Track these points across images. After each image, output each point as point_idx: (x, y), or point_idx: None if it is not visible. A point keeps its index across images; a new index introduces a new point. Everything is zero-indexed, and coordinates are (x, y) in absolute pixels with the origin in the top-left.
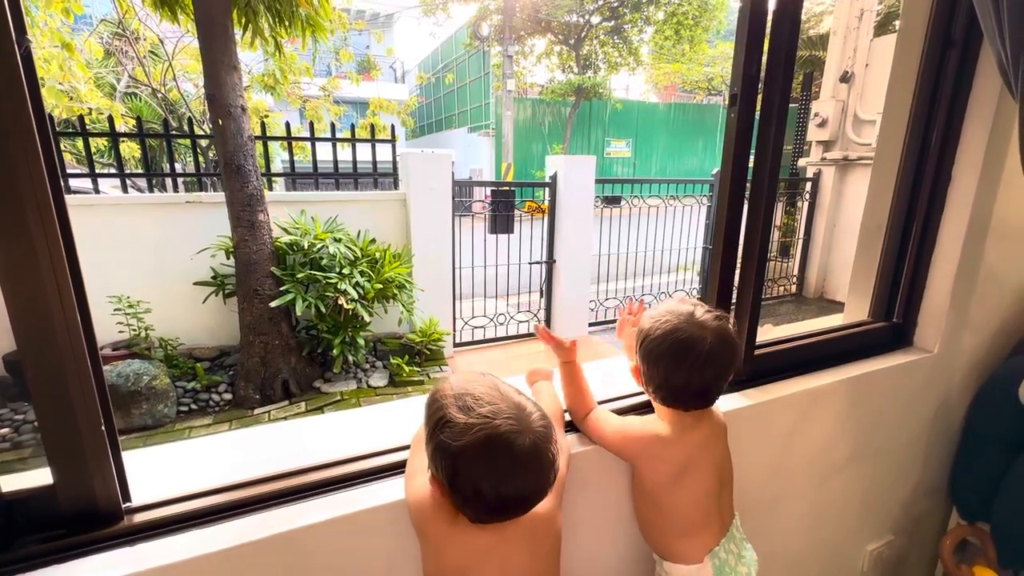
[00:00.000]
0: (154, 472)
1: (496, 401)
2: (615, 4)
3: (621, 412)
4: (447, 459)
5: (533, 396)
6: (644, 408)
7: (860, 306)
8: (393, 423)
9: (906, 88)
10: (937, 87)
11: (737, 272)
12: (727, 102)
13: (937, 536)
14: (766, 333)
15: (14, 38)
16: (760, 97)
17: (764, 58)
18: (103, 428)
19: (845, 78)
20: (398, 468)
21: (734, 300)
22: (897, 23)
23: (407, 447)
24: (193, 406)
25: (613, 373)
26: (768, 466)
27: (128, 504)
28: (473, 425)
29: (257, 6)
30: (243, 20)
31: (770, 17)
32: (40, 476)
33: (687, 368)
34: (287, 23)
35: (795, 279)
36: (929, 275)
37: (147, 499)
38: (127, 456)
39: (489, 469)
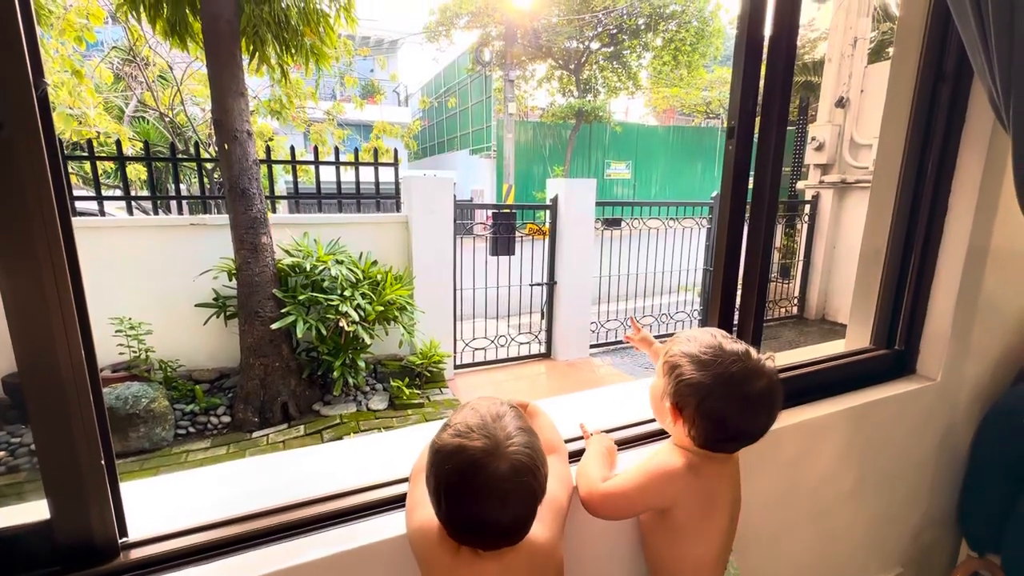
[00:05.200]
0: (151, 505)
1: (478, 427)
2: (614, 31)
3: (628, 441)
4: (430, 484)
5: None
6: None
7: (862, 332)
8: (392, 453)
9: (900, 120)
10: (931, 119)
11: (738, 302)
12: (725, 135)
13: (947, 568)
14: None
15: (31, 80)
16: (758, 122)
17: (761, 83)
18: (103, 463)
19: (841, 103)
20: (398, 502)
21: (735, 331)
22: (890, 50)
23: (406, 479)
24: (191, 429)
25: (605, 403)
26: (771, 497)
27: (125, 539)
28: (451, 451)
29: (265, 35)
30: (251, 48)
31: (767, 44)
32: (37, 510)
33: (751, 415)
34: (293, 51)
35: (796, 301)
36: (930, 302)
37: (144, 534)
38: (124, 487)
39: (463, 495)
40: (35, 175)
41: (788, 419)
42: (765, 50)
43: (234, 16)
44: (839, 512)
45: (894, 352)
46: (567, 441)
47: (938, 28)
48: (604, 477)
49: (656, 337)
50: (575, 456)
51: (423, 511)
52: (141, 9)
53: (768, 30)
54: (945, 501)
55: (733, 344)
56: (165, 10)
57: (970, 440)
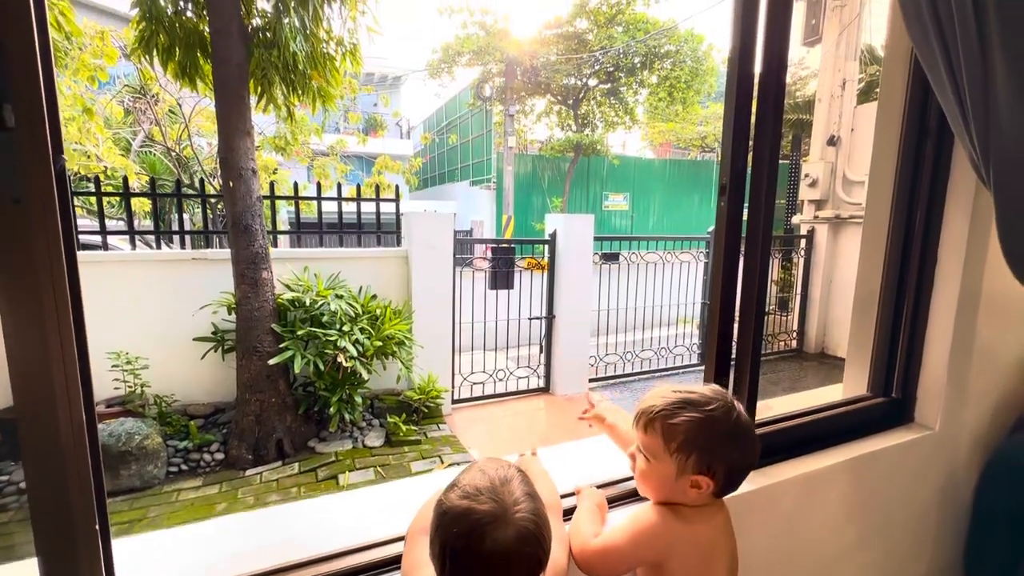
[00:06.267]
0: (142, 565)
1: (486, 490)
2: (611, 69)
3: (617, 499)
4: (434, 546)
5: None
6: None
7: (859, 379)
8: (386, 508)
9: (887, 173)
10: (917, 172)
11: (734, 351)
12: (717, 191)
13: None
14: (765, 411)
15: (51, 156)
16: (750, 158)
17: (753, 119)
18: (96, 526)
19: (832, 141)
20: (394, 564)
21: (733, 364)
22: (879, 91)
23: (402, 538)
24: (184, 466)
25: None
26: (771, 553)
27: None
28: (459, 514)
29: (273, 77)
30: (259, 89)
31: (757, 80)
32: (26, 569)
33: (745, 447)
34: (300, 92)
35: (795, 334)
36: (925, 350)
37: None
38: (116, 545)
39: (469, 559)
40: (48, 242)
41: (786, 472)
42: (756, 87)
43: (244, 60)
44: (841, 567)
45: (891, 400)
46: (562, 496)
47: (920, 87)
48: (595, 533)
49: (656, 371)
50: (568, 513)
51: (424, 571)
52: (155, 52)
53: (758, 66)
54: (949, 553)
55: (699, 389)
56: (177, 53)
57: (972, 490)
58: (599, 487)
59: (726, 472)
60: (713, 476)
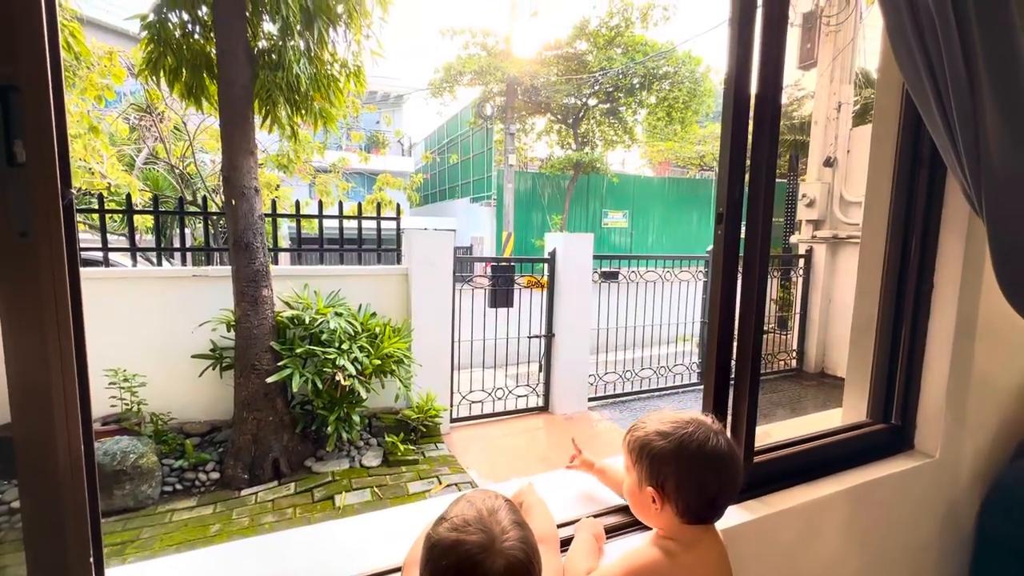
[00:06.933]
0: None
1: (474, 521)
2: (610, 89)
3: (617, 529)
4: None
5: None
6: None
7: (858, 403)
8: (383, 535)
9: (882, 200)
10: (911, 200)
11: (732, 382)
12: (714, 220)
13: None
14: (764, 438)
15: (59, 191)
16: (747, 178)
17: (749, 139)
18: (91, 559)
19: (829, 163)
20: None
21: (732, 384)
22: (872, 121)
23: (398, 569)
24: (178, 486)
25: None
26: None
27: None
28: (447, 546)
29: (277, 98)
30: (263, 110)
31: (753, 101)
32: None
33: (721, 470)
34: (303, 112)
35: (795, 354)
36: (923, 376)
37: None
38: (109, 573)
39: None
40: (53, 274)
41: (786, 501)
42: (752, 110)
43: (249, 82)
44: None
45: (891, 427)
46: (560, 525)
47: (912, 118)
48: (589, 568)
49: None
50: (565, 543)
51: None
52: (162, 73)
53: (754, 89)
54: None
55: (682, 414)
56: (184, 74)
57: (974, 519)
58: (597, 515)
59: (677, 488)
60: (662, 489)
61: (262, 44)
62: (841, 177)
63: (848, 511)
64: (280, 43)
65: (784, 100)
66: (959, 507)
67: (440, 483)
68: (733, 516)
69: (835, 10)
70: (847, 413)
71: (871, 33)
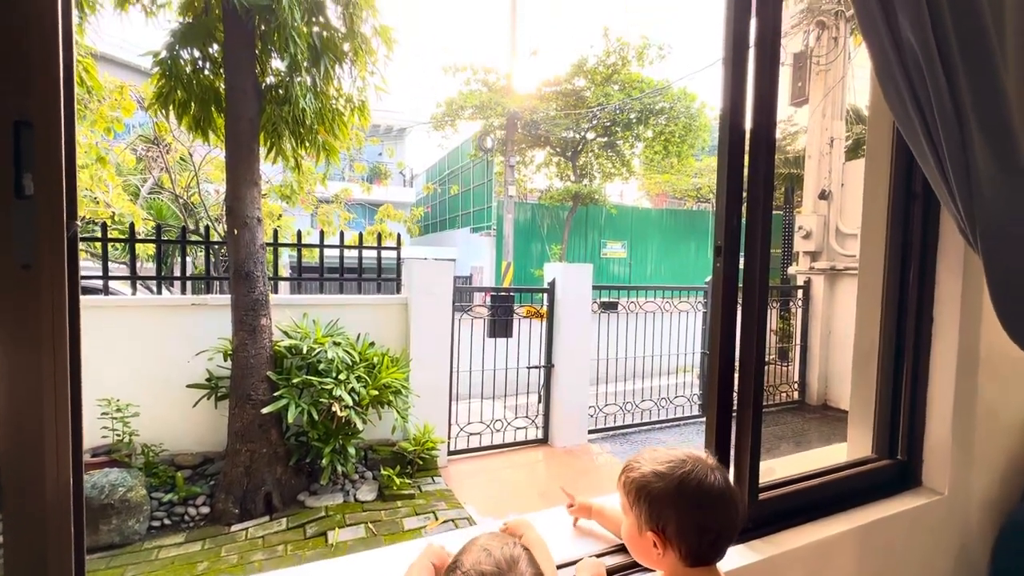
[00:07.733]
0: None
1: (489, 563)
2: (608, 123)
3: (619, 570)
4: None
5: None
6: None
7: (863, 437)
8: None
9: (878, 235)
10: (907, 234)
11: (735, 417)
12: (712, 243)
13: None
14: (768, 474)
15: (65, 223)
16: (744, 209)
17: (745, 172)
18: None
19: (824, 196)
20: None
21: (735, 415)
22: (865, 157)
23: None
24: (167, 520)
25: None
26: None
27: None
28: None
29: (283, 131)
30: (268, 142)
31: (748, 136)
32: None
33: (721, 508)
34: (307, 145)
35: (796, 386)
36: (928, 410)
37: None
38: None
39: None
40: (53, 306)
41: (792, 541)
42: (747, 145)
43: (256, 116)
44: None
45: (897, 463)
46: (560, 566)
47: (903, 155)
48: None
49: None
50: None
51: None
52: (171, 107)
53: (748, 124)
54: None
55: (676, 451)
56: (193, 108)
57: (988, 558)
58: (600, 555)
59: (678, 531)
60: (663, 533)
61: (270, 80)
62: (836, 210)
63: (857, 552)
64: (288, 79)
65: (778, 135)
66: (972, 547)
67: (436, 519)
68: (738, 557)
69: (824, 50)
70: (852, 448)
71: (860, 72)
